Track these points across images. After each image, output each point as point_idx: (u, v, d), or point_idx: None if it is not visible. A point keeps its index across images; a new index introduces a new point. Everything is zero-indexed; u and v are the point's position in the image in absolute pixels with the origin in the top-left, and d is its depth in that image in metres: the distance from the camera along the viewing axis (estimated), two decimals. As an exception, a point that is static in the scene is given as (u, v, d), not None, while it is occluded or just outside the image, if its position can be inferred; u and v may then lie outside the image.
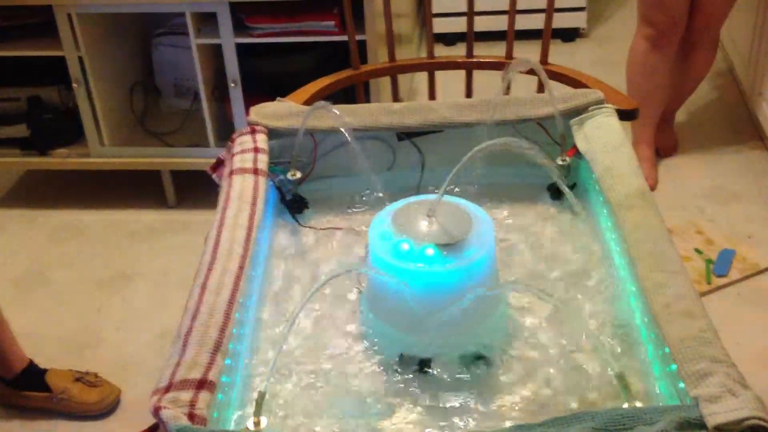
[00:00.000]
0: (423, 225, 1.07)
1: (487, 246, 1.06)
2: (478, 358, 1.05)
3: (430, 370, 1.03)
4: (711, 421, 0.79)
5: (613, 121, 1.32)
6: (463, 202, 1.13)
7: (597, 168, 1.24)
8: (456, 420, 0.97)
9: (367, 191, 1.39)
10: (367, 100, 2.13)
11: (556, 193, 1.36)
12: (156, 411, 0.85)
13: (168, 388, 0.88)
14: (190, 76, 2.42)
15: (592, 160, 1.26)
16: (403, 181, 1.40)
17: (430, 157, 1.41)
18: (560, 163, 1.35)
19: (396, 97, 1.76)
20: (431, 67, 1.70)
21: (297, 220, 1.34)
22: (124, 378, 1.92)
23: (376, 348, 1.07)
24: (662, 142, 2.63)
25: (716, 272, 2.15)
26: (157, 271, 2.32)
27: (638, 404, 0.89)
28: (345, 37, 1.79)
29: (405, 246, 1.04)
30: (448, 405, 1.00)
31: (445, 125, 1.38)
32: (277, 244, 1.28)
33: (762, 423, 0.78)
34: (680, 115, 2.75)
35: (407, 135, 1.40)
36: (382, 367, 1.05)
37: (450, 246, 1.04)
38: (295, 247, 1.29)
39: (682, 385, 0.90)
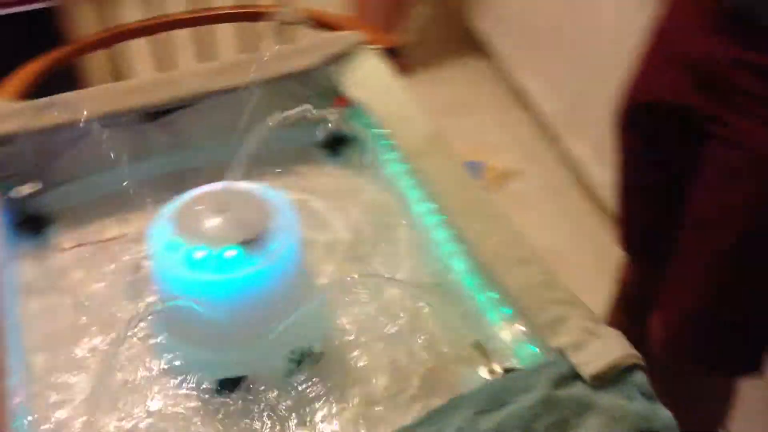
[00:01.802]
0: (215, 223, 0.91)
1: (292, 231, 0.93)
2: (304, 358, 0.93)
3: (252, 388, 0.90)
4: (586, 372, 0.75)
5: (380, 61, 1.23)
6: (250, 186, 0.98)
7: (376, 115, 1.15)
8: (307, 436, 0.86)
9: (124, 188, 1.19)
10: (84, 80, 1.85)
11: (332, 149, 1.26)
12: None
13: None
14: None
15: (368, 107, 1.17)
16: (162, 168, 1.21)
17: (188, 136, 1.23)
18: (331, 117, 1.24)
19: (120, 72, 1.53)
20: (159, 28, 1.48)
21: (40, 243, 1.11)
22: None
23: (189, 379, 0.91)
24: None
25: (472, 186, 2.20)
26: None
27: (497, 368, 0.83)
28: (33, 6, 1.51)
29: (200, 253, 0.89)
30: (291, 420, 0.88)
31: (199, 97, 1.21)
32: (25, 280, 1.05)
33: (636, 361, 0.75)
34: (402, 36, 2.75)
35: (156, 114, 1.21)
36: (200, 400, 0.90)
37: (253, 242, 0.90)
38: (49, 276, 1.07)
39: (522, 328, 0.87)
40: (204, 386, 0.90)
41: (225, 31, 1.54)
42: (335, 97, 1.23)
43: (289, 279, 0.93)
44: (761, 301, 0.91)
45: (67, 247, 1.11)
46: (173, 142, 1.21)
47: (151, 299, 1.00)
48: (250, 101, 1.22)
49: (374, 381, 0.90)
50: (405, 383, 0.89)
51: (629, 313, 1.18)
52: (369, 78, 1.20)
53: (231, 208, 0.92)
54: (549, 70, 2.16)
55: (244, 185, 0.97)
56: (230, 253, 0.88)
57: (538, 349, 0.83)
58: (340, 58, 1.23)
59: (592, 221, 2.08)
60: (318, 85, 1.24)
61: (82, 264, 1.08)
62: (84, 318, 0.99)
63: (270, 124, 0.89)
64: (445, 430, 0.71)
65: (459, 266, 0.99)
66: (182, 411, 0.88)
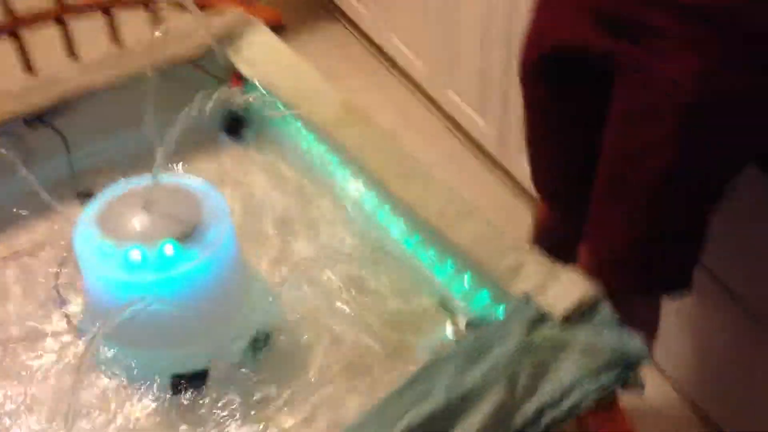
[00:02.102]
0: (144, 221, 0.86)
1: (225, 219, 0.90)
2: (258, 346, 0.90)
3: (207, 383, 0.86)
4: (555, 313, 0.77)
5: (271, 37, 1.20)
6: (171, 179, 0.94)
7: (281, 92, 1.12)
8: (284, 420, 0.83)
9: (15, 199, 1.11)
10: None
11: (232, 131, 1.22)
12: None
13: None
14: None
15: (269, 84, 1.13)
16: (49, 173, 1.12)
17: (75, 136, 1.15)
18: (229, 98, 1.20)
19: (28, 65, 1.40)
20: (25, 24, 1.36)
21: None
22: None
23: (140, 384, 0.86)
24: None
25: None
26: None
27: (460, 323, 0.84)
28: None
29: (136, 254, 0.84)
30: (255, 409, 0.85)
31: (83, 95, 1.13)
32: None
33: (599, 296, 0.78)
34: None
35: (38, 118, 1.12)
36: (155, 403, 0.86)
37: (189, 234, 0.86)
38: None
39: (468, 279, 0.88)
40: (160, 388, 0.86)
41: (83, 25, 1.45)
42: (231, 77, 1.19)
43: (230, 268, 0.90)
44: (690, 223, 0.95)
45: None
46: (61, 144, 1.13)
47: (76, 309, 0.94)
48: (139, 92, 1.16)
49: (336, 358, 0.89)
50: (368, 356, 0.88)
51: (548, 251, 1.21)
52: (262, 55, 1.16)
53: (157, 203, 0.87)
54: (408, 28, 2.17)
55: (165, 179, 0.92)
56: (168, 249, 0.84)
57: (495, 299, 0.84)
58: (231, 37, 1.19)
59: (477, 170, 2.13)
60: (211, 67, 1.19)
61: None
62: (16, 339, 0.92)
63: (199, 108, 0.84)
64: (435, 390, 0.71)
65: (397, 230, 0.98)
66: (145, 415, 0.84)
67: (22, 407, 0.84)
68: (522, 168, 1.72)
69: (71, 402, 0.70)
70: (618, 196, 0.96)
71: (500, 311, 0.84)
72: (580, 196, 1.08)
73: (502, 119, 1.82)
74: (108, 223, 0.86)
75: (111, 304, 0.86)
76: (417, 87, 2.30)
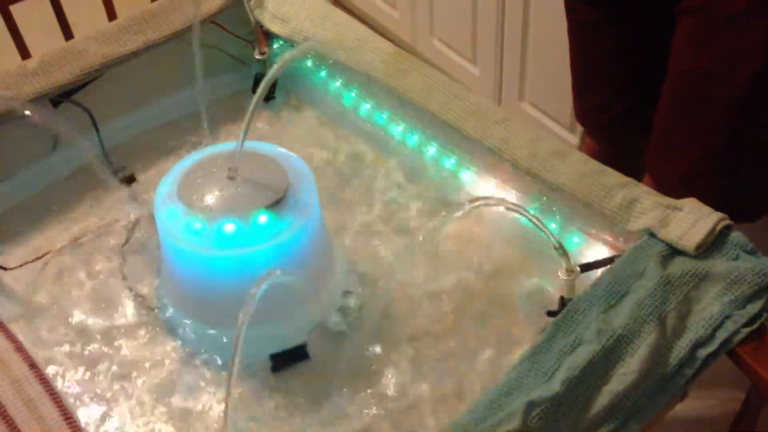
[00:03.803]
0: (231, 191, 0.80)
1: (310, 183, 0.84)
2: (350, 309, 0.86)
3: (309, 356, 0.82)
4: (688, 245, 0.74)
5: (297, -12, 1.13)
6: (249, 146, 0.87)
7: (320, 46, 1.06)
8: (401, 381, 0.79)
9: (47, 188, 1.03)
10: None
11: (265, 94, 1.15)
12: None
13: None
14: None
15: (305, 40, 1.07)
16: (78, 154, 1.03)
17: (102, 110, 1.06)
18: (259, 57, 1.13)
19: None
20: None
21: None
22: None
23: (245, 365, 0.81)
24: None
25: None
26: None
27: (575, 267, 0.81)
28: None
29: (230, 227, 0.78)
30: (378, 371, 0.80)
31: (107, 66, 1.05)
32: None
33: (728, 222, 0.76)
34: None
35: (63, 95, 1.04)
36: (256, 381, 0.81)
37: (279, 202, 0.80)
38: (12, 307, 0.90)
39: (558, 223, 0.85)
40: (259, 368, 0.81)
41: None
42: (262, 36, 1.12)
43: (321, 234, 0.85)
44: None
45: (11, 266, 0.93)
46: (85, 122, 1.04)
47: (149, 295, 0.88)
48: (163, 60, 1.09)
49: (435, 313, 0.85)
50: (466, 308, 0.85)
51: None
52: (292, 9, 1.09)
53: (240, 172, 0.81)
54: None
55: (239, 147, 0.85)
56: (263, 219, 0.78)
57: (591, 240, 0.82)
58: (253, -8, 1.11)
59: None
60: (238, 26, 1.12)
61: (49, 279, 0.92)
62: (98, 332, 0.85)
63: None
64: (585, 334, 0.68)
65: (472, 179, 0.94)
66: (251, 395, 0.79)
67: (135, 405, 0.79)
68: (525, 114, 1.69)
69: (227, 400, 0.64)
70: (695, 113, 0.93)
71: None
72: (634, 123, 1.05)
73: (497, 65, 1.76)
74: (191, 197, 0.79)
75: (202, 284, 0.81)
76: (395, 42, 2.21)
